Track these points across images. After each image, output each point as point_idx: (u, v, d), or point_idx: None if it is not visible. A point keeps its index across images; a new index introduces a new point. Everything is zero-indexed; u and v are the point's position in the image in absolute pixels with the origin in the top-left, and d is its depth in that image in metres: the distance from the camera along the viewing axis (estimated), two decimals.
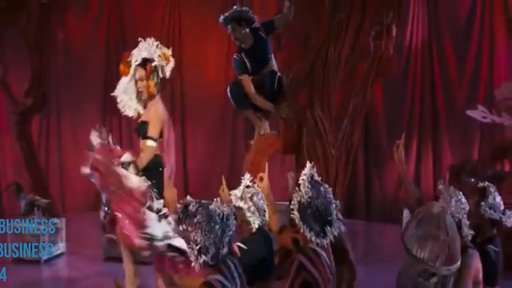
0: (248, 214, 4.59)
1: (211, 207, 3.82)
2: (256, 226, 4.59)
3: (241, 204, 4.63)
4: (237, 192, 4.70)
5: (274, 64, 6.75)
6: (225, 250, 3.77)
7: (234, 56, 6.69)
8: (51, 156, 11.24)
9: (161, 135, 5.58)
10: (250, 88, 6.66)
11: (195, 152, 11.47)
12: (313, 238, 4.14)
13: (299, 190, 4.23)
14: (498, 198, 4.46)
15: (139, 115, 5.73)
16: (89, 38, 11.25)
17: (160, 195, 5.44)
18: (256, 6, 10.63)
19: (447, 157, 10.21)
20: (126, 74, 5.72)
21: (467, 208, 4.17)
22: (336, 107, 6.76)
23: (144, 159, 5.43)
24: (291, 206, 4.19)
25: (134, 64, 5.70)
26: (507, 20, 9.66)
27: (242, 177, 4.81)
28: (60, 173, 11.23)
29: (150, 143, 5.47)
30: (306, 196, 4.22)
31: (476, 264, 4.14)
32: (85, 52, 11.12)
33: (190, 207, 3.84)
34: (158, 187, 5.41)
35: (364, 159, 11.04)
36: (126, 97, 5.75)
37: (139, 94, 5.72)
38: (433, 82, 10.66)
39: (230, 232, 3.82)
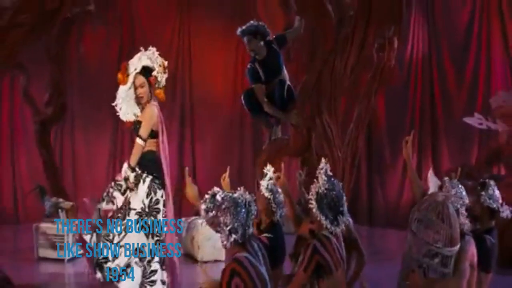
0: (273, 205, 5.09)
1: (236, 195, 4.33)
2: (278, 217, 5.11)
3: (268, 194, 5.15)
4: (264, 183, 5.21)
5: (285, 74, 7.27)
6: (250, 230, 4.29)
7: (248, 66, 7.23)
8: (65, 166, 11.54)
9: (156, 135, 5.96)
10: (262, 96, 7.18)
11: (204, 159, 11.81)
12: (328, 226, 4.64)
13: (317, 182, 4.71)
14: (497, 192, 4.97)
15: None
16: (102, 51, 11.52)
17: (162, 186, 5.91)
18: (265, 20, 11.11)
19: (445, 164, 10.62)
20: (124, 82, 6.11)
21: (466, 201, 4.65)
22: (342, 113, 7.32)
23: (133, 157, 5.85)
24: (309, 197, 4.68)
25: (133, 72, 6.09)
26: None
27: (266, 170, 5.25)
28: (74, 183, 11.57)
29: (138, 141, 5.87)
30: (323, 188, 4.70)
31: (472, 249, 4.64)
32: (98, 65, 11.44)
33: (217, 197, 4.33)
34: (158, 178, 5.89)
35: (367, 167, 11.40)
36: (125, 105, 6.11)
37: (138, 99, 6.06)
38: (432, 93, 11.04)
39: (253, 216, 4.32)
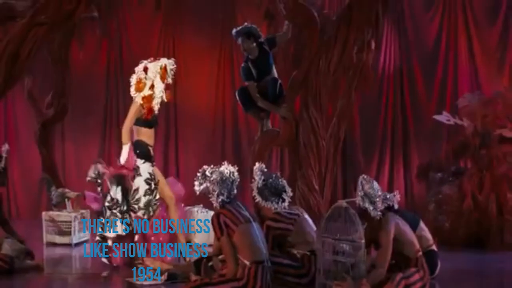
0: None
1: (221, 168, 5.99)
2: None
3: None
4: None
5: (275, 72, 8.09)
6: (235, 192, 5.92)
7: (242, 65, 8.03)
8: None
9: (151, 126, 7.18)
10: (255, 92, 7.99)
11: (187, 168, 12.21)
12: (273, 207, 6.28)
13: (254, 180, 6.31)
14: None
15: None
16: (92, 60, 11.87)
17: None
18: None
19: (415, 162, 11.31)
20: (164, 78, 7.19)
21: (379, 192, 5.92)
22: (326, 108, 8.17)
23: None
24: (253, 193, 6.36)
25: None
26: None
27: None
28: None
29: None
30: (260, 182, 6.27)
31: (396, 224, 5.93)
32: (88, 72, 11.72)
33: (207, 172, 6.01)
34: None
35: (342, 173, 11.92)
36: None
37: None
38: (403, 100, 11.53)
39: (237, 183, 5.95)
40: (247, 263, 5.70)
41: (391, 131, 11.64)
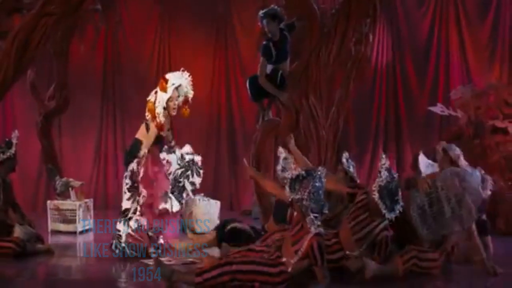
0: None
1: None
2: None
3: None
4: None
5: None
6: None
7: (264, 42, 8.13)
8: None
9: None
10: (263, 69, 8.08)
11: None
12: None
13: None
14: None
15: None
16: (89, 55, 11.89)
17: None
18: (240, 34, 11.98)
19: (408, 158, 11.62)
20: (165, 90, 7.21)
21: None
22: (325, 97, 8.41)
23: None
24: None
25: (173, 86, 7.23)
26: None
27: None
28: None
29: None
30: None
31: None
32: (85, 67, 11.82)
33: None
34: None
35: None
36: (160, 108, 7.22)
37: (171, 109, 7.27)
38: (396, 96, 11.74)
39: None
40: None
41: (384, 123, 11.89)
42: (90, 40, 11.71)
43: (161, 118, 7.19)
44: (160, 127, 7.18)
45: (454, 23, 11.70)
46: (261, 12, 8.16)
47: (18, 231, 7.31)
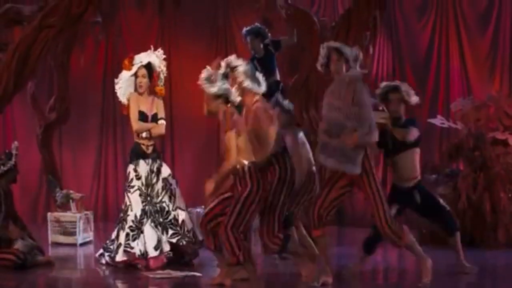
0: None
1: None
2: None
3: None
4: None
5: (277, 74, 8.35)
6: None
7: (248, 60, 8.21)
8: None
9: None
10: None
11: (183, 171, 12.38)
12: None
13: None
14: None
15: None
16: (90, 66, 11.93)
17: None
18: (239, 46, 12.03)
19: None
20: (129, 69, 7.48)
21: None
22: None
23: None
24: None
25: (139, 63, 7.46)
26: None
27: None
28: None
29: (163, 122, 7.63)
30: None
31: None
32: (85, 79, 11.88)
33: None
34: None
35: None
36: (124, 88, 7.55)
37: (138, 87, 7.49)
38: None
39: None
40: None
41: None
42: (90, 53, 11.75)
43: (120, 97, 7.61)
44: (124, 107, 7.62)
45: (454, 35, 11.70)
46: (244, 30, 8.33)
47: (19, 243, 7.32)
